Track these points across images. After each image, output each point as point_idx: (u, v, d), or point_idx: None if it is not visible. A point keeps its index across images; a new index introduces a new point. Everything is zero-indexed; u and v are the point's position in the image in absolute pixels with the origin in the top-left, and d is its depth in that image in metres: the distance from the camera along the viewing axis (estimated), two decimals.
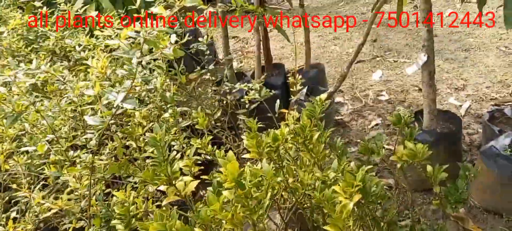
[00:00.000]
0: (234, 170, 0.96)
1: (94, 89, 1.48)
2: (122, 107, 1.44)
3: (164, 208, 1.24)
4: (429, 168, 1.43)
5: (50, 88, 2.49)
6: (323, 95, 1.44)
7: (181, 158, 1.94)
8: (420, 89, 3.78)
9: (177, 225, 1.14)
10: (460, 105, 3.47)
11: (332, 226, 1.12)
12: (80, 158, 1.77)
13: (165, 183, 1.15)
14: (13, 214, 2.00)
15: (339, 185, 1.19)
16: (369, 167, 1.27)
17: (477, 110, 3.35)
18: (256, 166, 1.36)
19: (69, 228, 1.80)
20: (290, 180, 1.46)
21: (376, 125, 3.45)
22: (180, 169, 1.55)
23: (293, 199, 1.40)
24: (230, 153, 1.00)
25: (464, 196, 1.52)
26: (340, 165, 1.45)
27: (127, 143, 1.78)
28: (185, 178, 1.18)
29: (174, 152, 1.13)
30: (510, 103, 3.24)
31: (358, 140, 3.30)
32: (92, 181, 1.71)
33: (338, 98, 3.92)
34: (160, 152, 1.11)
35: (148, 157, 1.96)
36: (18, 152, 2.18)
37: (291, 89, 3.95)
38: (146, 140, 1.96)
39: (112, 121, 2.11)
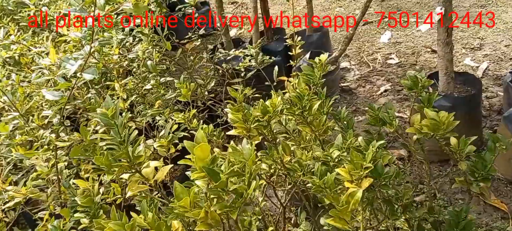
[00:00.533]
0: (204, 155, 0.72)
1: (49, 57, 1.24)
2: (82, 79, 1.20)
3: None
4: (453, 140, 1.18)
5: (23, 60, 2.26)
6: (323, 56, 1.18)
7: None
8: (433, 51, 3.49)
9: (148, 218, 0.92)
10: (477, 67, 3.18)
11: (336, 220, 0.89)
12: (41, 138, 1.55)
13: (127, 170, 0.92)
14: None
15: (344, 166, 0.96)
16: (381, 142, 1.03)
17: (496, 71, 3.06)
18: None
19: (44, 215, 1.61)
20: (286, 158, 1.23)
21: (386, 91, 3.19)
22: (155, 150, 1.32)
23: (292, 180, 1.17)
24: (200, 132, 0.77)
25: (492, 171, 1.29)
26: (345, 140, 1.22)
27: None
28: (152, 163, 0.95)
29: (136, 131, 0.90)
30: None
31: (366, 108, 3.05)
32: (63, 164, 1.51)
33: (343, 64, 3.64)
34: (117, 132, 0.88)
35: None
36: None
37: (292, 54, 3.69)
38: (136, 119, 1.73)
39: (90, 95, 1.89)
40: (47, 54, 2.08)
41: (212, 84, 2.52)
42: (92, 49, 1.15)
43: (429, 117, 1.08)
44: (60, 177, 1.40)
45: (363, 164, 0.92)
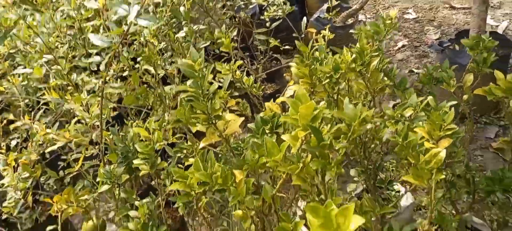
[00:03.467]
0: (308, 113, 0.70)
1: (97, 1, 1.17)
2: (135, 24, 1.14)
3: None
4: None
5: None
6: (393, 12, 1.14)
7: None
8: (452, 7, 3.44)
9: (216, 169, 0.92)
10: (497, 26, 3.15)
11: (414, 177, 0.90)
12: (84, 82, 1.51)
13: (203, 123, 0.91)
14: (14, 142, 1.79)
15: (419, 126, 0.96)
16: (453, 102, 1.02)
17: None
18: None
19: (78, 158, 1.60)
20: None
21: (403, 46, 3.16)
22: None
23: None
24: (301, 90, 0.75)
25: None
26: (404, 99, 1.21)
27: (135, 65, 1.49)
28: (227, 116, 0.93)
29: (216, 84, 0.87)
30: None
31: None
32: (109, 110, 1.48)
33: (359, 17, 3.57)
34: (198, 85, 0.85)
35: (164, 81, 1.70)
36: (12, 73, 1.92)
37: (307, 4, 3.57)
38: (165, 67, 1.69)
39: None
40: None
41: (235, 33, 2.45)
42: None
43: (499, 79, 1.07)
44: (102, 122, 1.38)
45: (443, 125, 0.92)
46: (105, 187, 1.23)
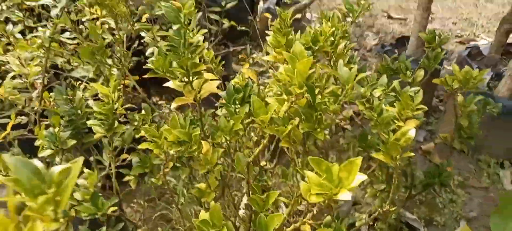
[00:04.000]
0: (305, 70, 0.68)
1: None
2: None
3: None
4: (460, 97, 1.28)
5: None
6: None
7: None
8: (389, 17, 3.67)
9: (195, 130, 0.86)
10: None
11: (384, 155, 0.93)
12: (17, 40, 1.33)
13: (181, 79, 0.84)
14: None
15: (394, 106, 0.99)
16: (418, 88, 1.08)
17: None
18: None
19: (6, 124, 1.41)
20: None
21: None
22: None
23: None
24: (299, 46, 0.72)
25: (478, 131, 1.43)
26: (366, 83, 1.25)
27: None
28: (206, 75, 0.88)
29: (200, 36, 0.81)
30: (476, 42, 3.28)
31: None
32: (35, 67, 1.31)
33: (307, 14, 3.66)
34: (181, 34, 0.79)
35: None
36: None
37: None
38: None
39: None
40: None
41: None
42: None
43: (456, 71, 1.16)
44: (45, 81, 1.23)
45: (412, 105, 0.96)
46: (47, 152, 1.09)
